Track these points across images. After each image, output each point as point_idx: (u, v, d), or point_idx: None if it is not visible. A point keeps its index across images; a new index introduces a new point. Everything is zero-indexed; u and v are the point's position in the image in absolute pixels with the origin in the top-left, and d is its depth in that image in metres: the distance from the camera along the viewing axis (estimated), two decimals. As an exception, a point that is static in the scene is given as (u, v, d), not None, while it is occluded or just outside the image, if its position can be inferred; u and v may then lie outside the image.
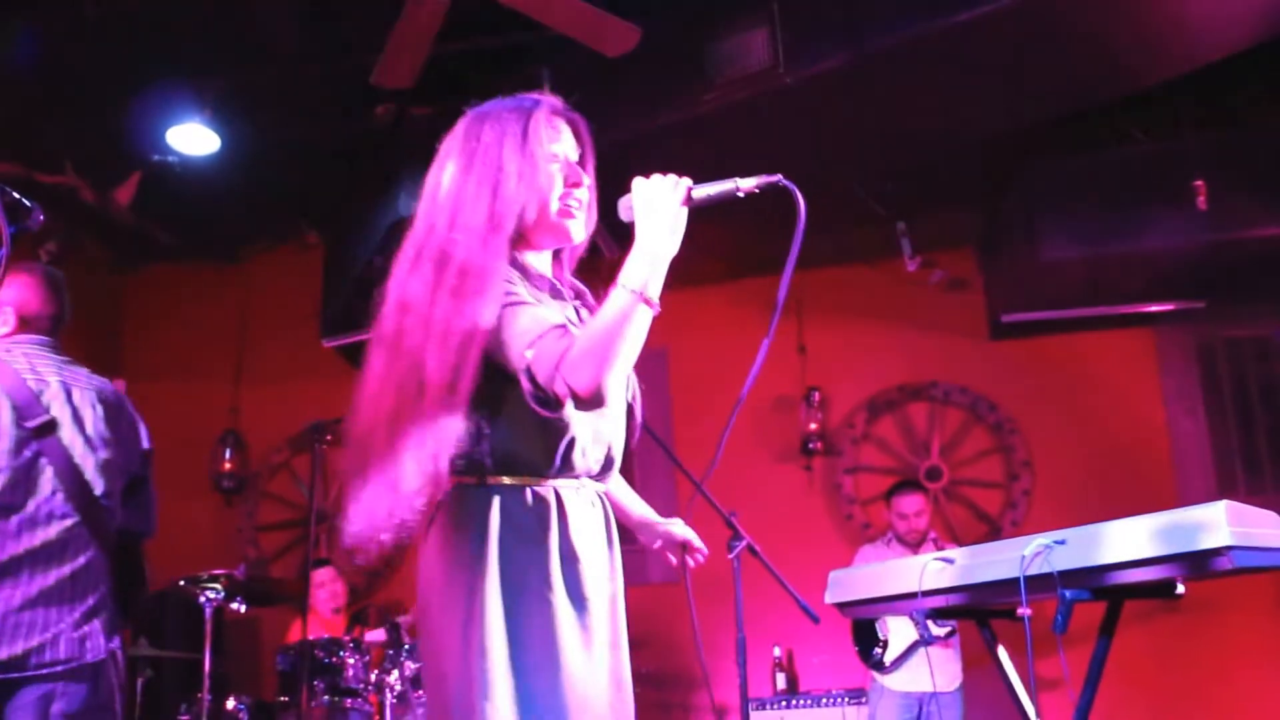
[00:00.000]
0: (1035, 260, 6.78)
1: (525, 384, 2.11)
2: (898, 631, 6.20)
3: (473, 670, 2.10)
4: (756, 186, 2.23)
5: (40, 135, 6.78)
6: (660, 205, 2.17)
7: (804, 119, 5.72)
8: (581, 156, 2.42)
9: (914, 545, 6.44)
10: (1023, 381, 7.76)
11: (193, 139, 6.39)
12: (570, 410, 2.18)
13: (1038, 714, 3.68)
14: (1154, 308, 7.32)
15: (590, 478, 2.34)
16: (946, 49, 5.19)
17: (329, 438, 5.82)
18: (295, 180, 7.55)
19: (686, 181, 2.21)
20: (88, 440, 3.14)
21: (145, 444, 3.37)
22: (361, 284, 7.17)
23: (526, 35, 5.65)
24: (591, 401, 2.07)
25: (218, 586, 5.59)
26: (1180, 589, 3.16)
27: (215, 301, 8.68)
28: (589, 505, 2.31)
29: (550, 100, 2.42)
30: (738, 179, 2.23)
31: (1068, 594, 3.17)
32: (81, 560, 3.06)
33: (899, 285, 7.76)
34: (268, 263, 8.67)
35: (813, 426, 7.80)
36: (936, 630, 6.10)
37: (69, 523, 3.04)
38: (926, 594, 3.44)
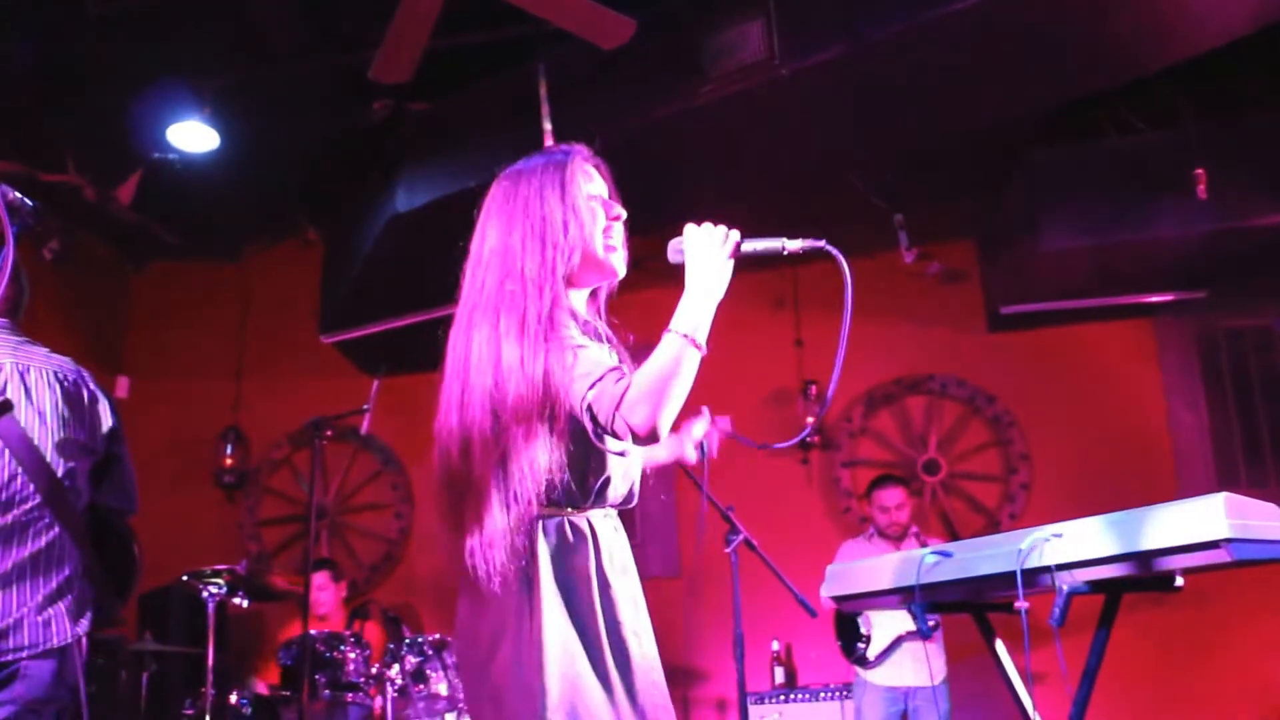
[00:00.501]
0: (1036, 250, 6.78)
1: (587, 423, 2.28)
2: (881, 626, 6.20)
3: (533, 685, 2.26)
4: (801, 248, 2.41)
5: (42, 134, 6.81)
6: (710, 257, 2.36)
7: (801, 110, 5.71)
8: (610, 194, 2.59)
9: (896, 539, 6.45)
10: (1021, 374, 7.75)
11: (193, 137, 6.41)
12: (612, 447, 2.40)
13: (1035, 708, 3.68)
14: (1154, 298, 7.33)
15: (614, 507, 2.52)
16: (943, 39, 5.19)
17: (329, 433, 5.83)
18: (295, 176, 7.57)
19: (735, 235, 2.39)
20: (45, 420, 3.04)
21: (109, 421, 3.23)
22: (360, 280, 7.18)
23: (522, 29, 5.66)
24: (648, 438, 2.22)
25: (220, 582, 5.64)
26: (1179, 582, 3.15)
27: (216, 298, 8.71)
28: (614, 531, 2.49)
29: (578, 148, 2.58)
30: (785, 239, 2.40)
31: (1065, 587, 3.17)
32: (43, 542, 2.98)
33: (896, 278, 7.75)
34: (268, 259, 8.69)
35: (810, 420, 7.80)
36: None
37: (30, 505, 2.96)
38: (924, 588, 3.45)
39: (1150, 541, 2.97)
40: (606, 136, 5.51)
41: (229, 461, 8.41)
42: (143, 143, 6.62)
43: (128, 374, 8.52)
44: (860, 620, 6.22)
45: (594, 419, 2.26)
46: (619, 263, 2.54)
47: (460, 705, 6.03)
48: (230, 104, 6.37)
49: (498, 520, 2.36)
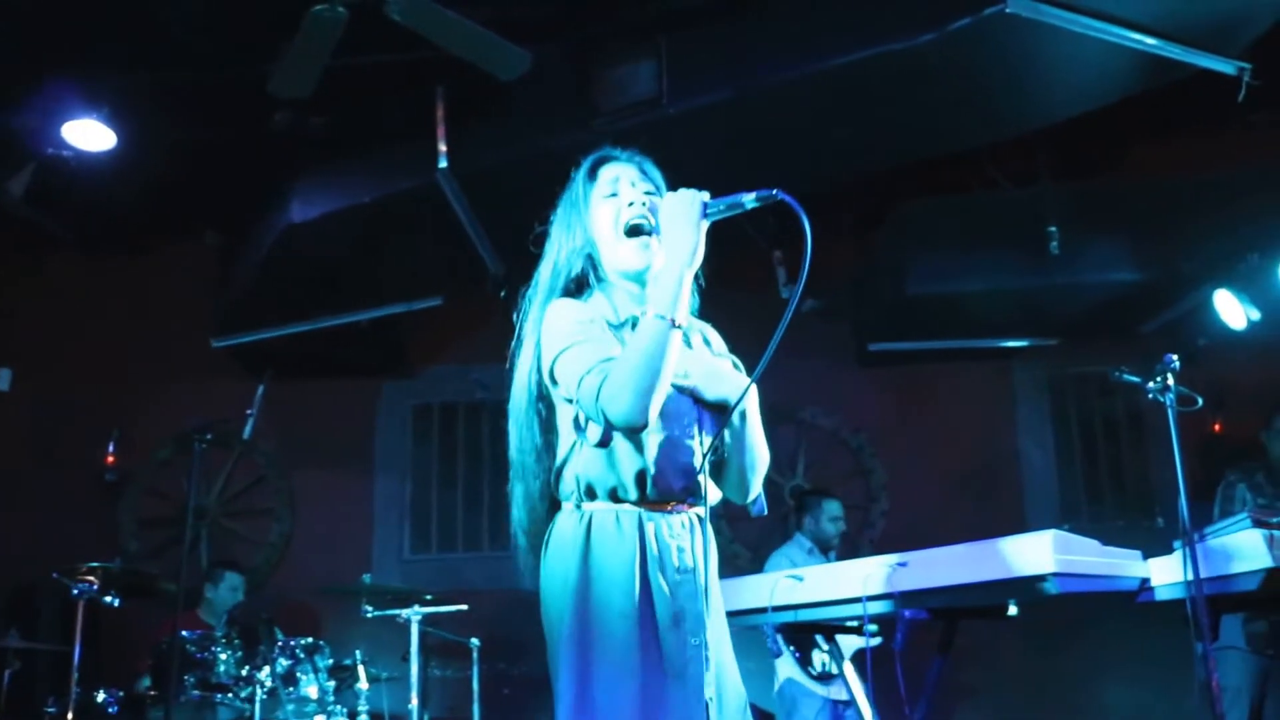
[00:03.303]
0: (902, 294, 7.04)
1: (582, 417, 2.37)
2: (844, 639, 6.30)
3: (567, 679, 2.30)
4: (759, 201, 2.44)
5: (-68, 125, 6.68)
6: (681, 223, 2.41)
7: (685, 149, 5.79)
8: (625, 181, 2.63)
9: (831, 548, 6.58)
10: (886, 408, 8.03)
11: (89, 135, 6.31)
12: (638, 439, 2.38)
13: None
14: (1010, 343, 7.69)
15: (680, 502, 2.48)
16: (823, 91, 5.44)
17: (210, 436, 5.83)
18: (193, 180, 7.44)
19: (704, 196, 2.45)
20: None
21: None
22: (253, 286, 7.19)
23: (423, 54, 5.74)
24: (630, 428, 2.28)
25: (92, 579, 5.58)
26: (1013, 610, 3.41)
27: (108, 297, 8.56)
28: (679, 528, 2.46)
29: (593, 156, 2.68)
30: (743, 194, 2.43)
31: (906, 613, 3.41)
32: None
33: (773, 311, 7.90)
34: (162, 260, 8.54)
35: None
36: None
37: None
38: (777, 609, 3.65)
39: (986, 573, 3.21)
40: (500, 160, 5.66)
41: (111, 460, 8.29)
42: (36, 138, 6.50)
43: (14, 368, 8.37)
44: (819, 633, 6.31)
45: (582, 413, 2.34)
46: (648, 243, 2.53)
47: (329, 708, 6.07)
48: (130, 104, 6.29)
49: (537, 514, 2.50)
